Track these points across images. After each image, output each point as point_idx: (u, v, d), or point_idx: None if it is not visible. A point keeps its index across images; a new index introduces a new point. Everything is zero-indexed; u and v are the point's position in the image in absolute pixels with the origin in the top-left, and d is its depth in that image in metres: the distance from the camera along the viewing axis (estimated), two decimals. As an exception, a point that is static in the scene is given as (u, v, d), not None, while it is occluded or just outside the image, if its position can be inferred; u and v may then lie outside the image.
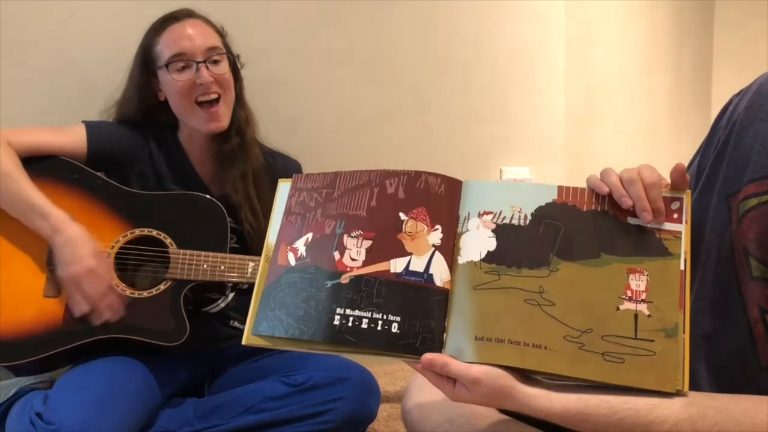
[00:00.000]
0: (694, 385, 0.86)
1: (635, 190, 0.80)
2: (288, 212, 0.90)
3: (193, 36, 1.36)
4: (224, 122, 1.39)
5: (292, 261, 0.86)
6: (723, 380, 0.85)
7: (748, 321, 0.81)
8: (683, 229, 0.80)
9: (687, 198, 0.82)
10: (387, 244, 0.83)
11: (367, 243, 0.84)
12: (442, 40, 1.96)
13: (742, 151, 0.83)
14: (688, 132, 3.08)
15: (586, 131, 2.30)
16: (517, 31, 2.07)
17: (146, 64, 1.39)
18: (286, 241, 0.87)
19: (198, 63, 1.34)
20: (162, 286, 1.28)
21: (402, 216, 0.84)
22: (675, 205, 0.81)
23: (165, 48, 1.36)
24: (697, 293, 0.89)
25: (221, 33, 1.45)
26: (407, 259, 0.82)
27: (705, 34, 3.56)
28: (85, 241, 1.23)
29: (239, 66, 1.48)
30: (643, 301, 0.77)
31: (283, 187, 0.93)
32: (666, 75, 3.06)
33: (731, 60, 3.55)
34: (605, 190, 0.82)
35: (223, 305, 1.44)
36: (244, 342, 0.82)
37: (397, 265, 0.82)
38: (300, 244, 0.86)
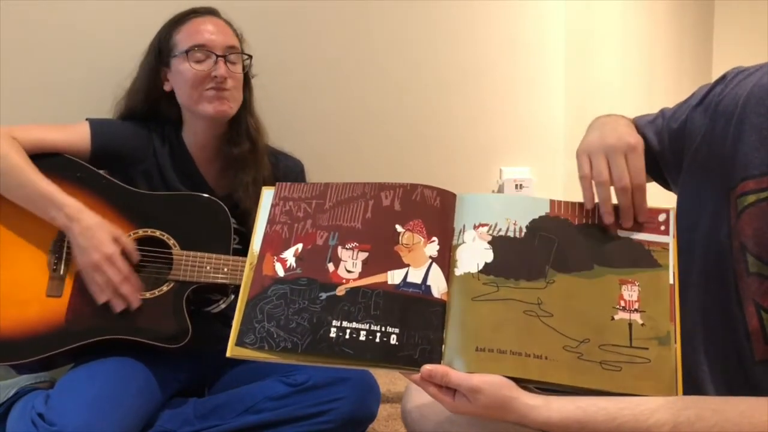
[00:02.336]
0: (696, 378, 0.87)
1: (624, 200, 0.83)
2: (272, 221, 0.89)
3: (215, 31, 1.38)
4: (231, 109, 1.39)
5: (281, 272, 0.85)
6: (723, 373, 0.86)
7: (744, 316, 0.82)
8: (671, 241, 0.82)
9: (672, 212, 0.85)
10: (384, 256, 0.84)
11: (363, 255, 0.84)
12: (442, 40, 1.95)
13: (741, 145, 0.83)
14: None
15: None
16: (517, 31, 2.06)
17: (160, 52, 1.40)
18: (271, 251, 0.87)
19: (218, 56, 1.35)
20: (165, 288, 1.29)
21: (398, 228, 0.85)
22: (662, 217, 0.83)
23: (185, 37, 1.37)
24: (698, 285, 0.89)
25: (240, 38, 1.46)
26: (405, 270, 0.83)
27: (705, 34, 3.56)
28: (102, 228, 1.24)
29: (251, 75, 1.49)
30: (636, 310, 0.79)
31: (267, 194, 0.92)
32: (666, 75, 3.06)
33: (731, 60, 3.54)
34: (590, 205, 0.85)
35: (224, 306, 1.44)
36: (228, 354, 0.81)
37: (394, 277, 0.83)
38: (289, 255, 0.86)
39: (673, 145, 0.96)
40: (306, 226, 0.87)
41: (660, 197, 0.99)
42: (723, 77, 0.92)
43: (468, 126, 2.03)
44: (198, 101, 1.37)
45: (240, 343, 0.81)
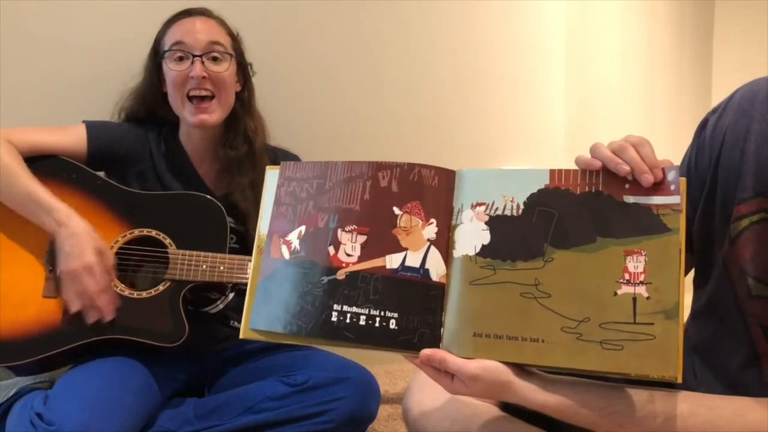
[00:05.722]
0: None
1: (629, 155, 0.77)
2: (278, 202, 0.89)
3: (197, 30, 1.36)
4: (213, 118, 1.37)
5: (286, 254, 0.86)
6: (731, 393, 0.85)
7: (752, 338, 0.81)
8: (681, 201, 0.76)
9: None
10: (382, 240, 0.83)
11: (362, 238, 0.83)
12: (441, 40, 1.96)
13: (732, 172, 0.83)
14: (688, 131, 3.07)
15: (586, 131, 2.30)
16: (518, 30, 2.07)
17: (156, 54, 1.41)
18: (278, 233, 0.87)
19: (194, 56, 1.34)
20: (161, 287, 1.28)
21: (396, 210, 0.84)
22: (671, 175, 0.77)
23: (169, 38, 1.37)
24: (705, 309, 0.89)
25: (234, 37, 1.45)
26: (403, 254, 0.82)
27: (705, 34, 3.56)
28: (88, 237, 1.23)
29: (251, 73, 1.49)
30: (641, 283, 0.74)
31: (272, 175, 0.91)
32: (666, 75, 3.06)
33: (731, 60, 3.55)
34: (597, 164, 0.79)
35: (222, 306, 1.44)
36: (241, 336, 0.84)
37: (392, 261, 0.82)
38: (293, 237, 0.86)
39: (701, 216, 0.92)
40: (308, 207, 0.87)
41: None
42: (715, 108, 0.90)
43: (468, 126, 2.03)
44: (181, 108, 1.37)
45: (253, 326, 0.83)
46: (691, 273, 0.93)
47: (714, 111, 0.89)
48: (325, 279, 0.83)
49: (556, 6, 2.10)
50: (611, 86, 2.52)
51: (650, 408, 0.72)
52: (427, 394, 0.97)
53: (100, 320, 1.23)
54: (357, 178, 0.86)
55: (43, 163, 1.31)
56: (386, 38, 1.89)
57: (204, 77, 1.34)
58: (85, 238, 1.22)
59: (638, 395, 0.73)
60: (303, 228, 0.86)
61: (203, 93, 1.35)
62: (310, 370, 1.30)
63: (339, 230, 0.84)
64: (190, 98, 1.36)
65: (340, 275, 0.82)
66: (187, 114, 1.37)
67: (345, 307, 0.81)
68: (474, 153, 2.04)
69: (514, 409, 0.88)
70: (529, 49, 2.10)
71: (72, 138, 1.36)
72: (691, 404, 0.72)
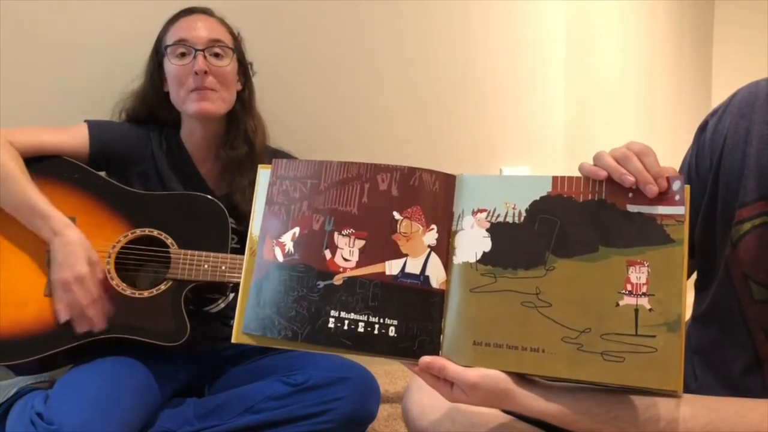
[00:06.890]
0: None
1: (633, 165, 0.76)
2: (270, 202, 0.86)
3: (199, 27, 1.38)
4: (214, 107, 1.37)
5: (280, 257, 0.83)
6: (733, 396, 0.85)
7: (754, 344, 0.81)
8: (685, 212, 0.75)
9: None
10: (381, 245, 0.81)
11: (360, 243, 0.81)
12: (441, 40, 1.95)
13: (733, 175, 0.82)
14: (688, 131, 3.07)
15: (586, 131, 2.30)
16: (517, 30, 2.06)
17: (157, 53, 1.41)
18: (270, 234, 0.84)
19: (197, 50, 1.35)
20: (162, 286, 1.28)
21: (396, 215, 0.82)
22: (676, 185, 0.76)
23: (171, 35, 1.38)
24: (706, 312, 0.89)
25: (235, 36, 1.46)
26: (403, 261, 0.80)
27: (705, 34, 3.56)
28: (82, 247, 1.23)
29: (251, 73, 1.49)
30: (643, 294, 0.74)
31: (263, 174, 0.88)
32: (666, 75, 3.05)
33: (731, 60, 3.55)
34: (602, 174, 0.77)
35: (223, 305, 1.44)
36: (233, 340, 0.82)
37: (392, 268, 0.80)
38: (287, 239, 0.84)
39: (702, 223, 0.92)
40: (302, 208, 0.84)
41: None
42: (714, 111, 0.90)
43: (468, 126, 2.03)
44: (184, 101, 1.38)
45: (246, 329, 0.81)
46: (693, 276, 0.93)
47: (714, 113, 0.89)
48: (321, 284, 0.80)
49: (556, 6, 2.10)
50: (611, 86, 2.52)
51: (652, 412, 0.72)
52: (427, 395, 0.96)
53: (88, 332, 1.23)
54: (354, 179, 0.83)
55: (45, 164, 1.31)
56: (386, 39, 1.89)
57: (206, 72, 1.34)
58: (78, 248, 1.23)
59: (640, 400, 0.73)
60: (297, 230, 0.83)
61: (207, 93, 1.36)
62: (309, 370, 1.30)
63: (336, 234, 0.82)
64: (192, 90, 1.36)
65: (337, 280, 0.80)
66: (189, 105, 1.37)
67: (342, 314, 0.79)
68: (473, 153, 2.04)
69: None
70: (529, 49, 2.09)
71: (74, 138, 1.36)
72: (692, 406, 0.72)
